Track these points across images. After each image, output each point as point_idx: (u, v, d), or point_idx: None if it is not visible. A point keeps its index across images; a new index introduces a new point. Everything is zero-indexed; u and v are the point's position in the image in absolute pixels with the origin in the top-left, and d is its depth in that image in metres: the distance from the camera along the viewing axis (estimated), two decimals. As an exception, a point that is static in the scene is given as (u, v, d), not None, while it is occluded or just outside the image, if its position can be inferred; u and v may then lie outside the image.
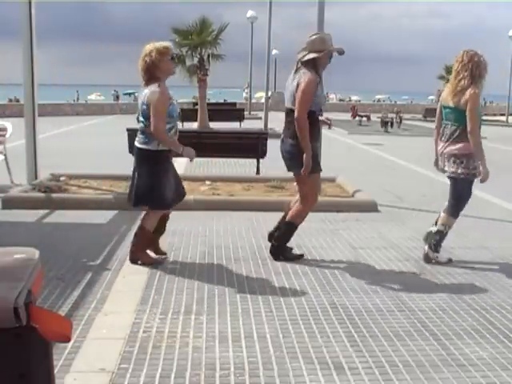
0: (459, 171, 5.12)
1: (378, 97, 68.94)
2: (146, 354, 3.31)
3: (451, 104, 5.10)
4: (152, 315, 3.90)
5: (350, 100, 58.77)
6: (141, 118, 4.88)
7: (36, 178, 8.56)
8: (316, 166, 5.08)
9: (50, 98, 36.19)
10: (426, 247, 5.33)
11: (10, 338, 1.23)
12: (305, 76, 4.88)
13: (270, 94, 26.39)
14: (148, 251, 5.12)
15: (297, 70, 5.00)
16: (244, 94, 38.91)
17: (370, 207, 7.64)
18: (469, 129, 4.97)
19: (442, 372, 3.18)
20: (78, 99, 51.61)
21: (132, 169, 5.06)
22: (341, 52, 5.06)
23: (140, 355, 3.30)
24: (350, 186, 8.69)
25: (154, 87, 4.74)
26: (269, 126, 20.93)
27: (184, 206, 7.36)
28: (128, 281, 4.62)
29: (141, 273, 4.80)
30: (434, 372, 3.17)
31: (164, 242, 5.82)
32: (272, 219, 6.94)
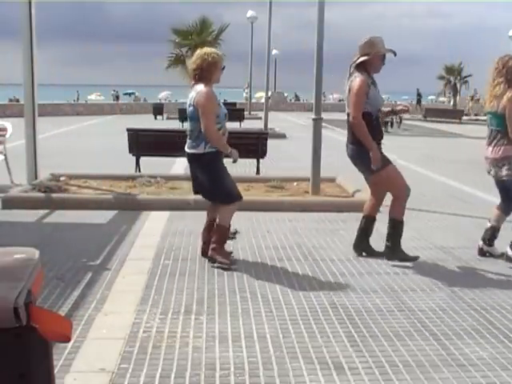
0: (503, 174, 5.26)
1: (377, 97, 68.67)
2: (146, 354, 3.31)
3: (490, 109, 5.29)
4: (152, 315, 3.90)
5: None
6: (188, 122, 5.00)
7: (36, 178, 8.56)
8: (385, 160, 5.19)
9: (49, 98, 36.17)
10: (481, 242, 5.54)
11: (10, 338, 1.23)
12: (355, 79, 5.05)
13: (269, 93, 26.40)
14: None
15: (350, 75, 5.18)
16: (244, 94, 38.94)
17: (370, 207, 7.62)
18: (510, 132, 5.11)
19: (442, 372, 3.18)
20: (77, 99, 51.60)
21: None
22: (393, 53, 5.23)
23: (140, 355, 3.30)
24: (350, 186, 8.69)
25: (201, 89, 4.83)
26: (269, 125, 20.93)
27: (184, 206, 7.38)
28: (128, 281, 4.62)
29: (141, 273, 4.80)
30: (434, 372, 3.17)
31: (164, 241, 5.82)
32: (272, 219, 6.96)
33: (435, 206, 7.94)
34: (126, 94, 62.26)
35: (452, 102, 40.99)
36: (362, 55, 5.13)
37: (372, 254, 5.45)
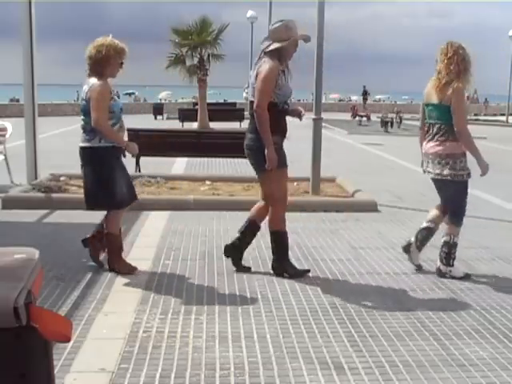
0: (445, 173, 4.76)
1: (377, 97, 68.88)
2: (146, 354, 3.31)
3: (435, 100, 4.79)
4: (152, 315, 3.90)
5: (350, 100, 58.74)
6: (81, 116, 4.73)
7: (36, 178, 8.56)
8: (281, 161, 4.65)
9: (49, 98, 36.17)
10: (438, 261, 4.97)
11: (10, 338, 1.23)
12: (265, 65, 4.57)
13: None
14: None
15: (259, 60, 4.70)
16: (244, 94, 38.94)
17: (370, 207, 7.64)
18: (457, 125, 4.67)
19: (442, 372, 3.18)
20: (78, 99, 51.59)
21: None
22: (307, 40, 4.78)
23: (140, 355, 3.30)
24: (350, 185, 8.69)
25: (94, 81, 4.61)
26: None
27: (184, 206, 7.39)
28: (128, 281, 4.62)
29: (141, 273, 4.80)
30: (434, 372, 3.17)
31: (164, 241, 5.82)
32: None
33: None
34: (126, 94, 62.24)
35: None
36: (276, 41, 4.60)
37: (236, 265, 4.96)
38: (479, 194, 9.20)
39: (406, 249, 5.12)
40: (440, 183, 4.91)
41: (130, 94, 60.86)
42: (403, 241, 6.12)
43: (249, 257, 5.34)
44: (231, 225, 6.63)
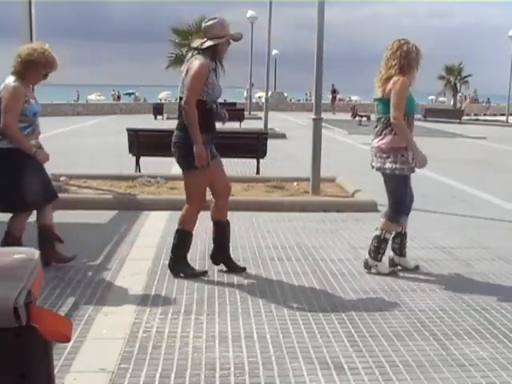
0: (386, 166, 4.75)
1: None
2: (146, 354, 3.31)
3: (379, 94, 4.79)
4: (152, 315, 3.90)
5: (350, 100, 58.73)
6: None
7: (36, 178, 8.55)
8: (207, 161, 4.57)
9: (50, 98, 36.17)
10: (366, 253, 4.98)
11: (10, 338, 1.23)
12: (196, 61, 4.50)
13: (269, 93, 26.41)
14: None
15: (190, 58, 4.62)
16: (245, 94, 38.94)
17: (370, 207, 7.64)
18: (391, 117, 4.62)
19: (442, 372, 3.18)
20: (78, 99, 51.62)
21: None
22: (239, 38, 4.77)
23: (140, 355, 3.30)
24: (350, 185, 8.69)
25: (9, 82, 4.48)
26: (269, 125, 20.93)
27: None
28: (128, 281, 4.62)
29: (141, 273, 4.80)
30: (434, 372, 3.17)
31: (164, 241, 5.82)
32: (272, 219, 6.96)
33: (435, 206, 7.94)
34: (126, 94, 62.26)
35: (452, 102, 41.02)
36: (211, 38, 4.54)
37: (231, 268, 4.88)
38: (479, 193, 9.21)
39: (391, 263, 5.06)
40: (384, 177, 4.90)
41: (130, 94, 60.88)
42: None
43: (248, 257, 5.35)
44: (231, 225, 6.62)
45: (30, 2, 8.35)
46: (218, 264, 4.91)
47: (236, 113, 24.65)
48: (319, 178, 8.40)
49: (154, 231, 6.26)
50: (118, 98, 51.54)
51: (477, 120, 34.03)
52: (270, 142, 10.54)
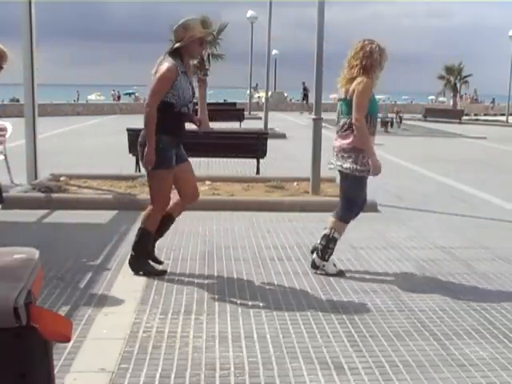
0: (345, 166, 4.72)
1: (378, 97, 68.85)
2: (146, 354, 3.31)
3: (342, 95, 4.79)
4: (152, 315, 3.91)
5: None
6: None
7: (36, 178, 8.56)
8: (164, 162, 4.55)
9: (50, 98, 36.17)
10: (314, 254, 4.93)
11: (10, 338, 1.23)
12: (164, 63, 4.53)
13: (270, 93, 26.41)
14: None
15: (161, 61, 4.62)
16: (247, 92, 38.93)
17: (370, 207, 7.62)
18: (353, 118, 4.62)
19: (442, 372, 3.18)
20: (78, 99, 51.62)
21: None
22: (206, 36, 4.90)
23: (140, 355, 3.30)
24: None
25: None
26: (269, 125, 20.94)
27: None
28: (128, 281, 4.62)
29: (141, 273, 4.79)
30: (434, 372, 3.17)
31: (164, 241, 5.82)
32: (272, 219, 6.96)
33: (435, 206, 7.94)
34: (126, 94, 62.25)
35: (452, 102, 41.04)
36: (176, 41, 4.62)
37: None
38: (479, 193, 9.21)
39: (314, 266, 4.95)
40: (341, 176, 4.88)
41: (130, 94, 60.88)
42: (403, 241, 6.15)
43: (248, 257, 5.35)
44: (231, 225, 6.64)
45: (29, 2, 8.35)
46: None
47: (236, 113, 24.67)
48: (319, 178, 8.40)
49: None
50: (118, 98, 51.53)
51: (477, 120, 34.01)
52: (270, 142, 10.54)
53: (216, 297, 4.30)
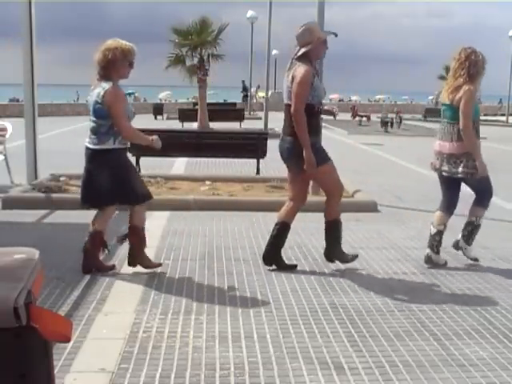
0: (459, 170, 5.01)
1: (378, 97, 68.88)
2: (146, 354, 3.31)
3: (447, 101, 5.05)
4: (152, 315, 3.90)
5: (350, 100, 58.72)
6: (93, 118, 4.69)
7: (36, 178, 8.56)
8: (323, 158, 4.94)
9: (50, 98, 36.17)
10: (459, 236, 5.32)
11: (10, 338, 1.23)
12: (299, 68, 4.73)
13: (269, 93, 26.41)
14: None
15: (291, 67, 4.85)
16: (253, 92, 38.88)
17: (370, 207, 7.64)
18: (461, 124, 4.90)
19: (442, 372, 3.18)
20: (78, 99, 51.61)
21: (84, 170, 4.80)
22: (334, 34, 5.01)
23: (140, 355, 3.30)
24: (350, 186, 8.67)
25: (108, 86, 4.59)
26: (269, 125, 20.93)
27: (184, 206, 7.38)
28: (128, 281, 4.62)
29: (141, 273, 4.80)
30: (434, 372, 3.17)
31: (164, 241, 5.82)
32: (272, 219, 6.95)
33: (435, 206, 7.92)
34: (126, 94, 62.21)
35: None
36: (303, 45, 4.78)
37: (283, 267, 5.02)
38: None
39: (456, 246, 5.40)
40: (451, 181, 5.17)
41: (129, 94, 60.86)
42: (403, 241, 6.14)
43: (248, 257, 5.35)
44: (231, 225, 6.63)
45: (29, 2, 8.35)
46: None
47: (236, 113, 24.69)
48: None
49: (154, 231, 6.25)
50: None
51: (477, 120, 33.98)
52: (270, 142, 10.53)
53: (216, 297, 4.30)
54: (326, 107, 5.58)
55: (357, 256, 5.15)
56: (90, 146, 4.71)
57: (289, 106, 4.82)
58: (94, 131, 4.69)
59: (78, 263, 5.00)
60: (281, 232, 5.06)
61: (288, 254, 5.49)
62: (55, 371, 1.47)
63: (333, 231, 5.09)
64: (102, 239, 4.86)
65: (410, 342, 3.56)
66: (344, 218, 7.14)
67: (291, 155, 4.90)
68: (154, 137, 4.96)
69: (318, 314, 3.99)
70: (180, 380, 3.03)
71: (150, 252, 5.41)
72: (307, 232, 6.35)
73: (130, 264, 4.86)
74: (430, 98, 58.16)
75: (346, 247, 5.75)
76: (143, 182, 5.01)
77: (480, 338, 3.67)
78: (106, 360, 3.21)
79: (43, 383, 1.34)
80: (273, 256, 5.03)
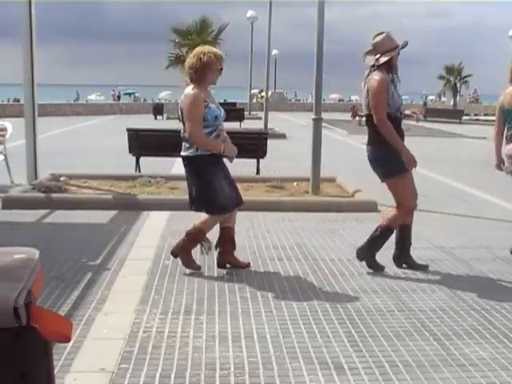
0: None
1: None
2: (146, 354, 3.31)
3: (510, 106, 5.33)
4: (152, 315, 3.90)
5: (350, 100, 58.71)
6: (182, 125, 4.80)
7: (36, 178, 8.56)
8: (399, 169, 4.89)
9: (50, 98, 36.17)
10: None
11: (10, 338, 1.23)
12: (375, 78, 4.75)
13: (269, 93, 26.41)
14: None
15: (369, 75, 4.85)
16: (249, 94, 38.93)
17: (370, 207, 7.64)
18: None
19: (442, 372, 3.18)
20: (78, 99, 51.62)
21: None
22: (405, 45, 4.97)
23: (140, 355, 3.30)
24: (350, 186, 8.69)
25: (188, 91, 4.70)
26: (269, 126, 20.93)
27: (184, 206, 7.37)
28: (128, 281, 4.62)
29: (141, 273, 4.80)
30: (434, 372, 3.17)
31: (164, 241, 5.82)
32: (272, 219, 6.96)
33: (435, 206, 7.93)
34: (126, 94, 62.26)
35: (452, 102, 41.05)
36: (383, 53, 4.78)
37: (413, 266, 5.10)
38: (479, 193, 9.21)
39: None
40: None
41: (130, 94, 60.89)
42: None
43: (248, 257, 5.35)
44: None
45: (29, 2, 8.36)
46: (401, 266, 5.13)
47: (236, 113, 24.68)
48: (319, 178, 8.40)
49: (154, 231, 6.26)
50: (118, 98, 51.56)
51: (477, 120, 34.02)
52: (270, 142, 10.54)
53: (216, 297, 4.29)
54: (407, 111, 5.72)
55: (426, 266, 5.11)
56: (181, 153, 4.87)
57: (369, 116, 4.86)
58: (183, 137, 4.81)
59: (78, 263, 5.01)
60: (404, 234, 5.16)
61: (288, 253, 5.50)
62: (55, 371, 1.47)
63: (378, 236, 5.05)
64: (232, 235, 5.02)
65: (410, 342, 3.56)
66: (344, 217, 7.18)
67: (371, 164, 5.02)
68: (229, 145, 4.95)
69: (318, 314, 3.99)
70: (180, 380, 3.03)
71: (149, 252, 5.43)
72: (307, 232, 6.35)
73: (219, 264, 4.96)
74: (430, 98, 58.18)
75: (345, 247, 5.76)
76: (233, 190, 4.96)
77: (480, 337, 3.67)
78: (105, 360, 3.21)
79: (43, 383, 1.34)
80: (404, 257, 5.12)
